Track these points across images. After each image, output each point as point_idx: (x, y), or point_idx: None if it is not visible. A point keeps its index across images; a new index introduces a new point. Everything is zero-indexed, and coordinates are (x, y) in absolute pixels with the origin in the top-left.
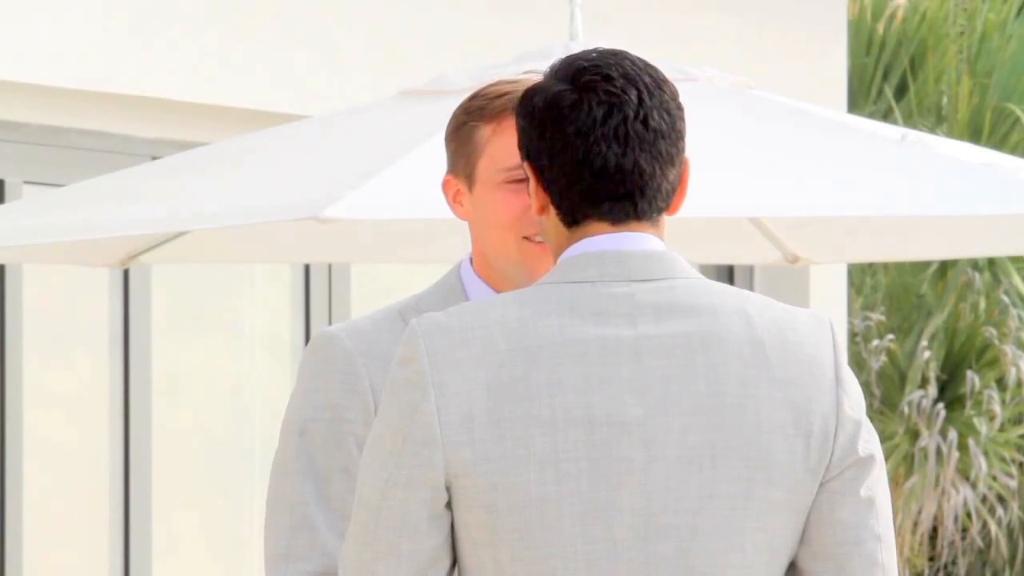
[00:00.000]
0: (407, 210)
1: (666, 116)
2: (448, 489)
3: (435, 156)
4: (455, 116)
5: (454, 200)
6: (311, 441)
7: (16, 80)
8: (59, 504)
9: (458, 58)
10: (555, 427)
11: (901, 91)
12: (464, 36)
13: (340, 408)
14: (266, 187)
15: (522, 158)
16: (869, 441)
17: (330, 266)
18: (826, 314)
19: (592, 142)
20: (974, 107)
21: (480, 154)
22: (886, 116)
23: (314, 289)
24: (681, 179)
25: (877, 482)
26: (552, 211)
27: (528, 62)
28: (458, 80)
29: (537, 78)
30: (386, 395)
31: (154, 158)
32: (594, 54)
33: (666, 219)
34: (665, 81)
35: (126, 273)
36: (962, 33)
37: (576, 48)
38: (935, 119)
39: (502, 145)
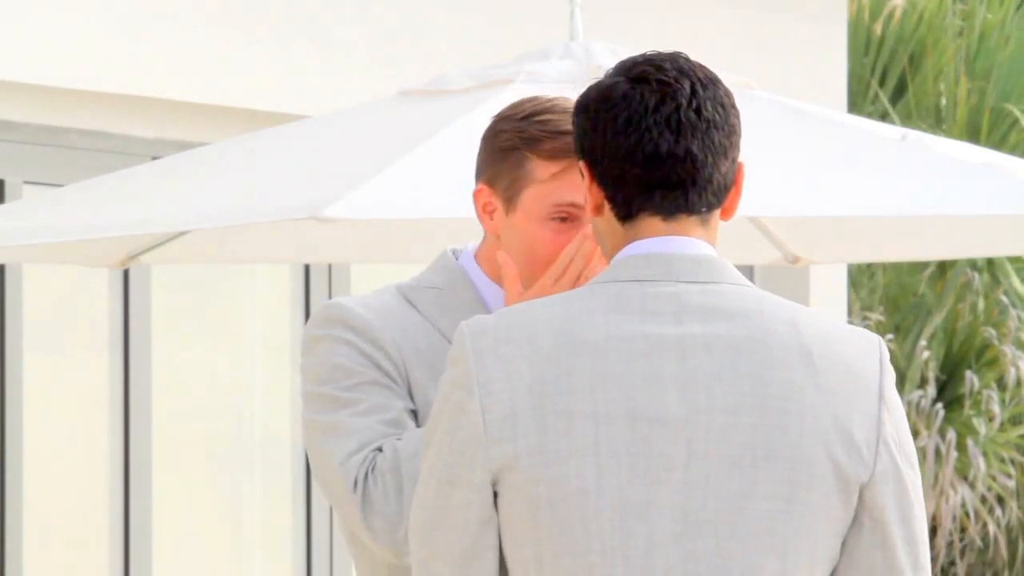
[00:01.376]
0: (407, 210)
1: (720, 109)
2: (494, 486)
3: (435, 156)
4: (503, 132)
5: (484, 211)
6: (338, 384)
7: (16, 80)
8: (59, 504)
9: (458, 58)
10: (596, 421)
11: (899, 91)
12: (464, 36)
13: (368, 355)
14: (266, 187)
15: (578, 157)
16: (911, 463)
17: (330, 266)
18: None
19: (644, 129)
20: (972, 107)
21: (528, 185)
22: (884, 117)
23: (314, 289)
24: (736, 178)
25: (917, 506)
26: (607, 209)
27: (527, 62)
28: (458, 80)
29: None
30: (438, 397)
31: (154, 158)
32: (649, 53)
33: (718, 221)
34: (719, 80)
35: (126, 273)
36: (960, 33)
37: (576, 48)
38: (934, 119)
39: (557, 186)
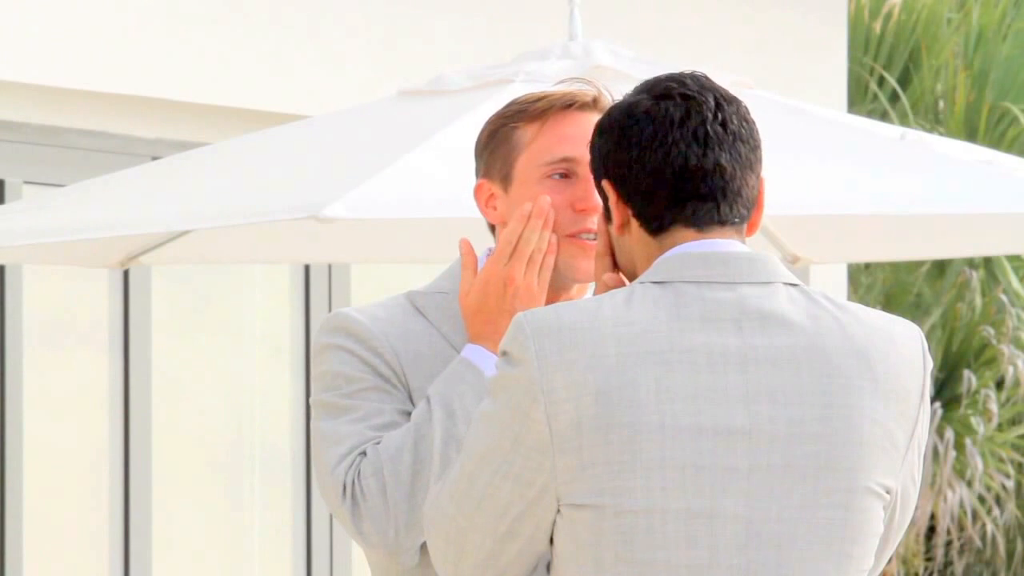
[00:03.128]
0: (407, 210)
1: (744, 123)
2: (555, 490)
3: (435, 156)
4: (490, 123)
5: (487, 205)
6: (339, 391)
7: (16, 80)
8: (59, 504)
9: (458, 58)
10: (663, 434)
11: (897, 91)
12: (464, 36)
13: (368, 362)
14: (266, 187)
15: (599, 177)
16: (919, 458)
17: (330, 266)
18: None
19: (671, 143)
20: (970, 105)
21: (520, 152)
22: (883, 116)
23: (314, 289)
24: (759, 194)
25: (916, 491)
26: (633, 224)
27: (527, 62)
28: (458, 80)
29: (567, 86)
30: (493, 384)
31: (154, 158)
32: (669, 72)
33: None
34: (737, 98)
35: (126, 273)
36: (958, 31)
37: (575, 48)
38: (932, 118)
39: (545, 141)
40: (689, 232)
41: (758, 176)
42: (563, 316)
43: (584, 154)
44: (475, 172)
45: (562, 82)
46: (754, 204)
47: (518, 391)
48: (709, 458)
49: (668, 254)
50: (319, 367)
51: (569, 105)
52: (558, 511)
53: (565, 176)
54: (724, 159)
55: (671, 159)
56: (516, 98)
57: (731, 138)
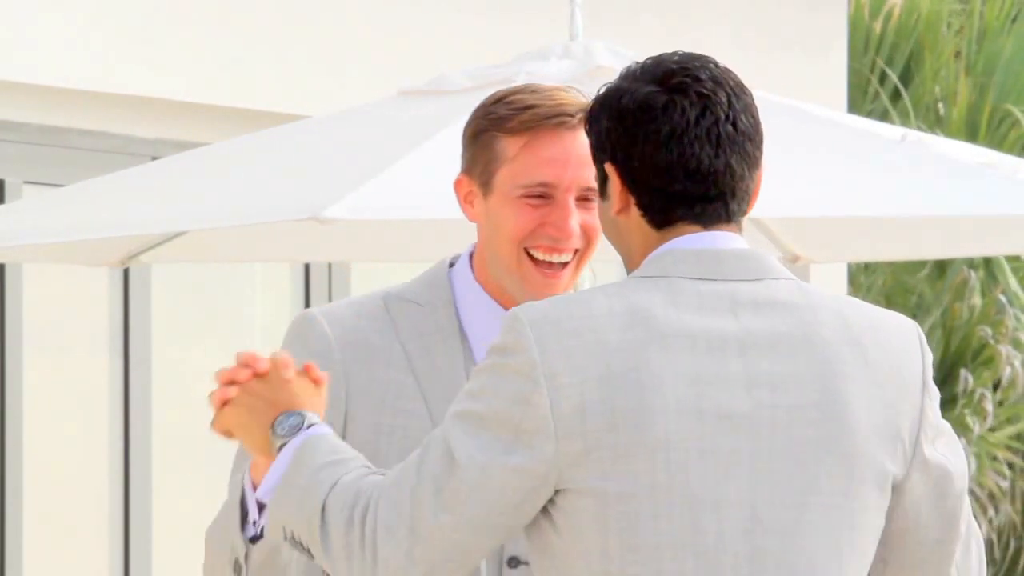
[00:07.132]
0: (407, 210)
1: (751, 119)
2: (557, 478)
3: (435, 156)
4: (476, 119)
5: (465, 200)
6: None
7: (16, 80)
8: (59, 504)
9: (458, 58)
10: (667, 417)
11: (898, 90)
12: (464, 36)
13: None
14: (266, 187)
15: (602, 160)
16: (947, 449)
17: (330, 266)
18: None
19: (686, 143)
20: (971, 106)
21: (500, 165)
22: (884, 115)
23: (314, 289)
24: (757, 185)
25: (960, 492)
26: (635, 212)
27: (527, 62)
28: (458, 80)
29: (564, 91)
30: (486, 379)
31: (154, 158)
32: (676, 57)
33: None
34: (744, 85)
35: (126, 273)
36: (960, 30)
37: (576, 48)
38: (933, 118)
39: (526, 162)
40: (694, 228)
41: (760, 169)
42: (558, 306)
43: (564, 176)
44: (461, 162)
45: (543, 81)
46: (751, 196)
47: (516, 380)
48: (712, 442)
49: (661, 250)
50: None
51: (553, 118)
52: (552, 501)
53: (542, 197)
54: (734, 160)
55: (685, 160)
56: (505, 94)
57: (741, 138)
